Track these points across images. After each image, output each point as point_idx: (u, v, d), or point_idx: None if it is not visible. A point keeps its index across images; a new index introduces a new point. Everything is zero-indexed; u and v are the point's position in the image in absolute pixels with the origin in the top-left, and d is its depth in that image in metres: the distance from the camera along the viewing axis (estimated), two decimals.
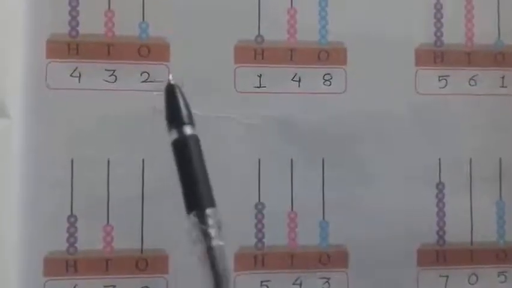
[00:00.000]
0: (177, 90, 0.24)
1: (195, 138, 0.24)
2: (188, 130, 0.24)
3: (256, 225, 0.33)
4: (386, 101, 0.34)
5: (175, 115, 0.24)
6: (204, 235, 0.22)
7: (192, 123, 0.24)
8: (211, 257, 0.22)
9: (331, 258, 0.34)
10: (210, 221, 0.23)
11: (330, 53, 0.34)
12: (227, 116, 0.33)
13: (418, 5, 0.35)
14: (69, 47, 0.33)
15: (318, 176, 0.34)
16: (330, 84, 0.34)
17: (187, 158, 0.23)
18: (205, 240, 0.22)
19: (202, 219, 0.23)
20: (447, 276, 0.34)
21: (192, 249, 0.23)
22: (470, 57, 0.35)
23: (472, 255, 0.35)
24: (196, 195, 0.23)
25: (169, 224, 0.32)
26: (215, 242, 0.23)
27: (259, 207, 0.33)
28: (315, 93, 0.34)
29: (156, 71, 0.33)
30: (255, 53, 0.34)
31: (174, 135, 0.24)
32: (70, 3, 0.33)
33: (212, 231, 0.23)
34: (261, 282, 0.33)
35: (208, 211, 0.23)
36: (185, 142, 0.23)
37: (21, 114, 0.32)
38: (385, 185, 0.34)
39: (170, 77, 0.25)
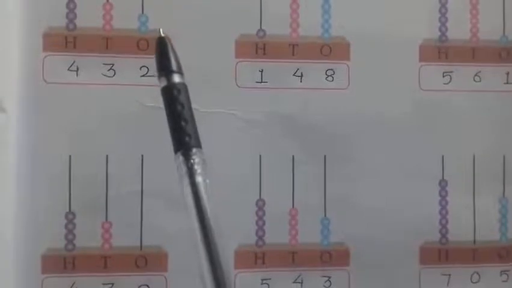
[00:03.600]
0: (167, 42, 0.25)
1: (184, 86, 0.25)
2: (177, 78, 0.25)
3: (257, 223, 0.33)
4: (389, 97, 0.34)
5: (164, 64, 0.25)
6: (189, 171, 0.24)
7: (181, 72, 0.25)
8: (196, 192, 0.23)
9: (332, 256, 0.33)
10: (196, 159, 0.24)
11: (333, 48, 0.34)
12: (227, 112, 0.33)
13: None
14: (66, 41, 0.32)
15: (320, 172, 0.33)
16: (332, 80, 0.34)
17: (175, 102, 0.24)
18: (190, 176, 0.23)
19: (188, 157, 0.24)
20: (449, 275, 0.34)
21: (179, 186, 0.24)
22: (475, 53, 0.35)
23: (474, 254, 0.34)
24: (182, 135, 0.24)
25: (169, 221, 0.32)
26: (200, 178, 0.23)
27: (260, 204, 0.33)
28: (318, 88, 0.34)
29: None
30: (256, 47, 0.33)
31: (164, 82, 0.25)
32: None
33: (198, 168, 0.24)
34: (262, 280, 0.33)
35: (194, 150, 0.24)
36: (174, 88, 0.24)
37: (17, 109, 0.31)
38: (387, 182, 0.34)
39: (161, 30, 0.25)
